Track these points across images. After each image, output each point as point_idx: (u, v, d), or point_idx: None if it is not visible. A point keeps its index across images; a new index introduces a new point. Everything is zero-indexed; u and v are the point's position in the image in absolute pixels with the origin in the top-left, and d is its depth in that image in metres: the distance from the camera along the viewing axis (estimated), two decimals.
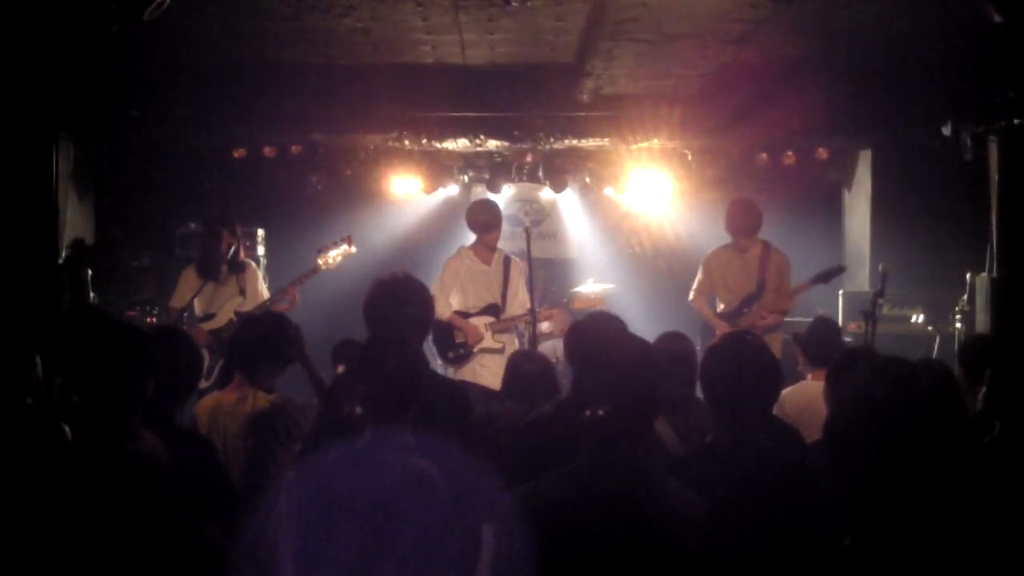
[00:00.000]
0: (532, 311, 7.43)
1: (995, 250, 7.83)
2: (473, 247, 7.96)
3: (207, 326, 7.79)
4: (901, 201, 9.38)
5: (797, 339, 6.08)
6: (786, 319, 8.04)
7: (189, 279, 7.95)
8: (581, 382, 3.05)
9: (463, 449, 3.41)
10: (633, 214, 10.98)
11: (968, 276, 8.34)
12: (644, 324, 7.16)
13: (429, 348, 7.62)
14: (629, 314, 8.53)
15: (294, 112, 8.81)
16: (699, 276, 8.16)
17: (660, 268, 11.02)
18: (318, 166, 9.88)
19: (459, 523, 3.04)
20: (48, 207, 7.54)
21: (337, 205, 10.08)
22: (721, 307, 8.07)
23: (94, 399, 3.51)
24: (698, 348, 5.79)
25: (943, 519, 2.06)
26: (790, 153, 9.61)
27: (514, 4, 6.45)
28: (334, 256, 7.96)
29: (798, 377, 5.89)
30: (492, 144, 9.29)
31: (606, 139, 9.20)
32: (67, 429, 3.42)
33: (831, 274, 7.93)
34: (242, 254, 8.05)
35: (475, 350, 7.75)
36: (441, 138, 9.17)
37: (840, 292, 9.26)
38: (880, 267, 7.39)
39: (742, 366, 3.44)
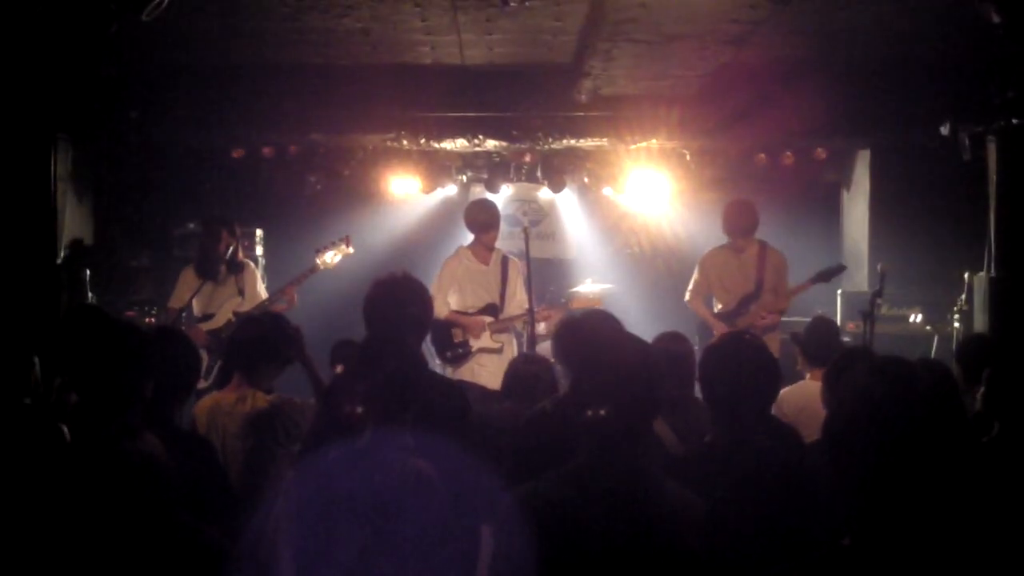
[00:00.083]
0: (530, 311, 7.43)
1: (993, 250, 7.84)
2: (471, 247, 7.95)
3: (205, 326, 7.79)
4: (899, 201, 9.39)
5: (796, 339, 6.09)
6: (784, 319, 8.05)
7: (188, 279, 7.96)
8: (580, 382, 3.05)
9: (462, 449, 3.41)
10: (631, 214, 10.99)
11: (966, 276, 8.34)
12: (643, 324, 7.16)
13: (427, 348, 7.62)
14: (628, 314, 8.56)
15: (293, 112, 8.81)
16: (695, 276, 8.16)
17: (658, 268, 11.03)
18: (316, 166, 9.88)
19: (458, 523, 3.05)
20: (47, 207, 7.54)
21: (335, 205, 10.08)
22: (718, 307, 8.08)
23: (94, 399, 3.51)
24: (696, 348, 5.79)
25: (942, 519, 2.06)
26: (788, 153, 9.61)
27: (512, 4, 6.45)
28: (332, 256, 7.96)
29: (796, 377, 5.89)
30: (490, 144, 9.29)
31: (604, 139, 9.20)
32: (65, 429, 3.42)
33: (832, 273, 7.94)
34: (241, 254, 8.05)
35: (473, 350, 7.75)
36: (439, 138, 9.18)
37: (839, 292, 9.27)
38: (878, 267, 7.40)
39: (741, 366, 3.44)
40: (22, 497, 2.90)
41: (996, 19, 5.89)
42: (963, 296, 8.38)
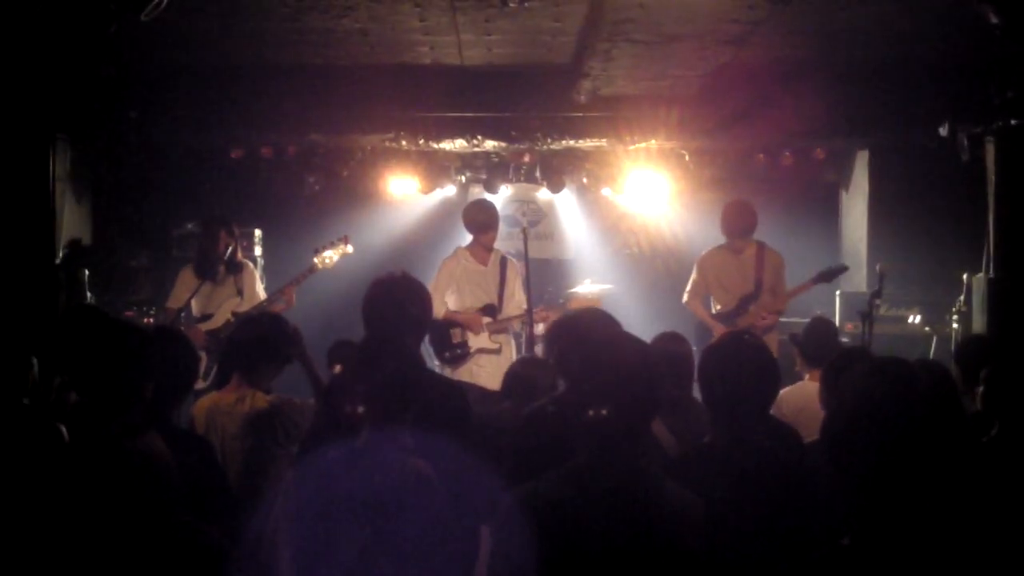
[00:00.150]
0: (529, 312, 7.43)
1: (992, 251, 7.83)
2: (470, 247, 7.95)
3: (204, 326, 7.79)
4: (898, 202, 9.39)
5: (794, 339, 6.09)
6: (783, 319, 8.06)
7: (186, 279, 7.95)
8: (580, 382, 3.05)
9: (461, 449, 3.41)
10: (630, 215, 10.99)
11: (965, 277, 8.34)
12: (641, 324, 7.14)
13: (425, 348, 7.61)
14: (626, 314, 8.54)
15: (292, 112, 8.81)
16: (693, 277, 8.16)
17: (658, 268, 11.03)
18: (315, 167, 9.88)
19: (458, 523, 3.05)
20: (45, 207, 7.52)
21: (334, 205, 10.08)
22: (717, 308, 8.08)
23: (95, 399, 3.51)
24: (694, 349, 5.79)
25: (942, 519, 2.06)
26: (787, 154, 9.62)
27: (511, 5, 6.45)
28: (331, 256, 7.96)
29: (795, 377, 5.89)
30: (489, 144, 9.29)
31: (603, 140, 9.20)
32: (64, 429, 3.42)
33: (834, 273, 7.95)
34: (239, 254, 8.05)
35: (472, 351, 7.75)
36: (438, 138, 9.17)
37: (837, 292, 9.27)
38: (877, 267, 7.41)
39: (741, 366, 3.44)
40: (21, 497, 2.90)
41: (995, 20, 5.89)
42: (962, 297, 8.37)
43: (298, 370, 4.92)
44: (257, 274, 8.39)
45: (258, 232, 9.80)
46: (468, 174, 10.36)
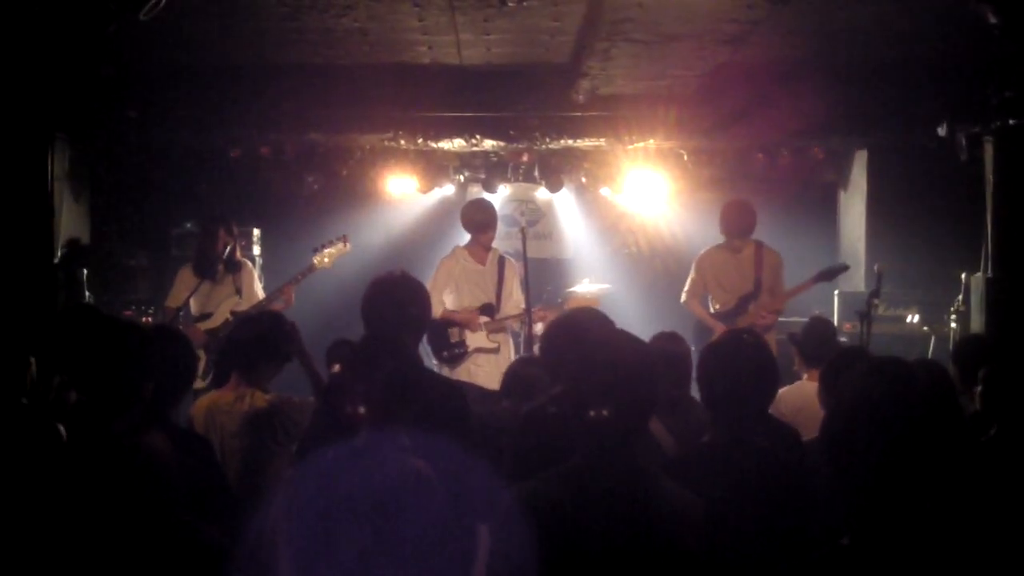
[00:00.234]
0: (527, 311, 7.43)
1: (990, 250, 7.83)
2: (468, 247, 7.95)
3: (203, 326, 7.78)
4: (897, 201, 9.40)
5: (793, 339, 6.09)
6: (781, 319, 8.06)
7: (185, 278, 7.95)
8: (579, 381, 3.04)
9: (461, 449, 3.41)
10: (629, 214, 10.99)
11: (963, 276, 8.34)
12: (640, 324, 7.15)
13: (423, 348, 7.61)
14: (625, 314, 8.59)
15: (291, 112, 8.80)
16: (692, 276, 8.17)
17: (656, 268, 11.03)
18: (314, 166, 9.88)
19: (458, 523, 3.04)
20: (44, 207, 7.51)
21: (333, 205, 10.08)
22: (716, 307, 8.08)
23: (96, 398, 3.51)
24: (692, 349, 5.78)
25: (941, 518, 2.06)
26: (786, 153, 9.62)
27: (510, 4, 6.45)
28: (330, 255, 7.95)
29: (794, 377, 5.89)
30: (488, 144, 9.28)
31: (602, 139, 9.19)
32: (62, 429, 3.42)
33: (834, 272, 7.96)
34: (238, 253, 8.05)
35: (470, 350, 7.75)
36: (437, 138, 9.17)
37: (836, 292, 9.28)
38: (875, 267, 7.40)
39: (741, 364, 3.44)
40: (19, 496, 2.90)
41: (993, 20, 5.89)
42: (960, 296, 8.38)
43: (297, 368, 4.92)
44: (256, 273, 8.39)
45: (257, 231, 9.81)
46: (467, 173, 10.36)
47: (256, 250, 9.72)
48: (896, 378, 2.13)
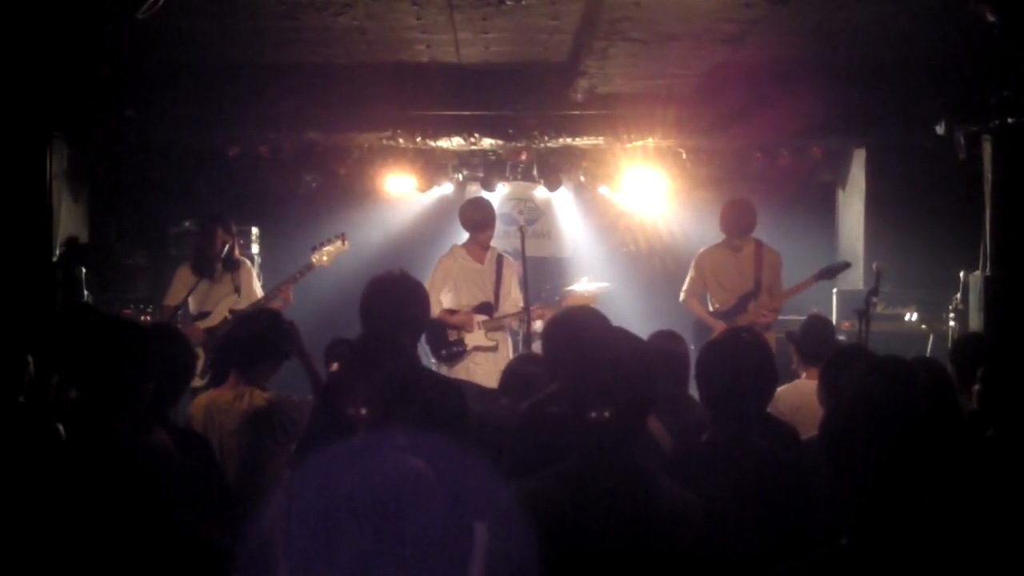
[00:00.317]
0: (526, 309, 7.43)
1: (989, 249, 7.84)
2: (466, 245, 7.95)
3: (202, 324, 7.78)
4: (895, 200, 9.40)
5: (791, 337, 6.09)
6: (780, 317, 8.06)
7: (183, 277, 7.95)
8: (578, 381, 3.04)
9: (460, 448, 3.41)
10: (627, 213, 10.98)
11: (962, 275, 8.35)
12: (638, 322, 7.16)
13: (422, 347, 7.61)
14: (623, 312, 8.60)
15: (289, 111, 8.79)
16: (691, 275, 8.16)
17: (655, 267, 11.02)
18: (313, 165, 9.87)
19: (457, 523, 3.04)
20: (42, 206, 7.52)
21: (332, 203, 10.07)
22: (715, 306, 8.08)
23: (97, 397, 3.50)
24: (691, 348, 5.78)
25: (940, 517, 2.06)
26: (784, 152, 9.62)
27: (508, 3, 6.45)
28: (328, 253, 7.95)
29: (792, 376, 5.88)
30: (487, 142, 9.28)
31: (601, 138, 9.19)
32: (61, 428, 3.41)
33: (836, 270, 7.97)
34: (237, 252, 8.05)
35: (468, 349, 7.75)
36: (436, 136, 9.17)
37: (834, 291, 9.28)
38: (874, 266, 7.41)
39: (740, 363, 3.44)
40: (18, 496, 2.89)
41: (992, 19, 5.89)
42: (958, 295, 8.38)
43: (296, 367, 4.92)
44: (254, 272, 8.39)
45: (255, 230, 9.80)
46: (465, 172, 10.36)
47: (255, 249, 9.72)
48: (896, 377, 2.13)
